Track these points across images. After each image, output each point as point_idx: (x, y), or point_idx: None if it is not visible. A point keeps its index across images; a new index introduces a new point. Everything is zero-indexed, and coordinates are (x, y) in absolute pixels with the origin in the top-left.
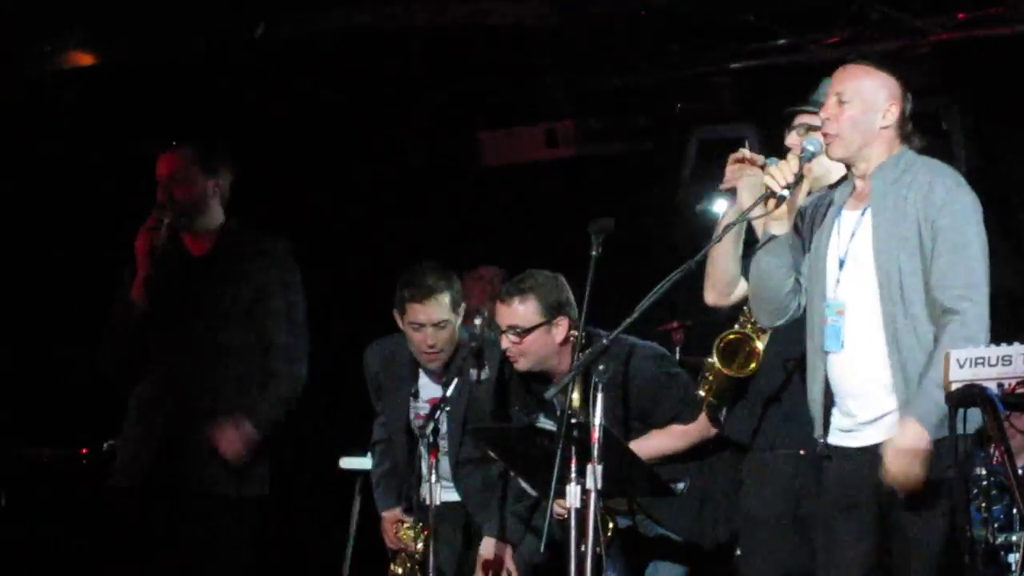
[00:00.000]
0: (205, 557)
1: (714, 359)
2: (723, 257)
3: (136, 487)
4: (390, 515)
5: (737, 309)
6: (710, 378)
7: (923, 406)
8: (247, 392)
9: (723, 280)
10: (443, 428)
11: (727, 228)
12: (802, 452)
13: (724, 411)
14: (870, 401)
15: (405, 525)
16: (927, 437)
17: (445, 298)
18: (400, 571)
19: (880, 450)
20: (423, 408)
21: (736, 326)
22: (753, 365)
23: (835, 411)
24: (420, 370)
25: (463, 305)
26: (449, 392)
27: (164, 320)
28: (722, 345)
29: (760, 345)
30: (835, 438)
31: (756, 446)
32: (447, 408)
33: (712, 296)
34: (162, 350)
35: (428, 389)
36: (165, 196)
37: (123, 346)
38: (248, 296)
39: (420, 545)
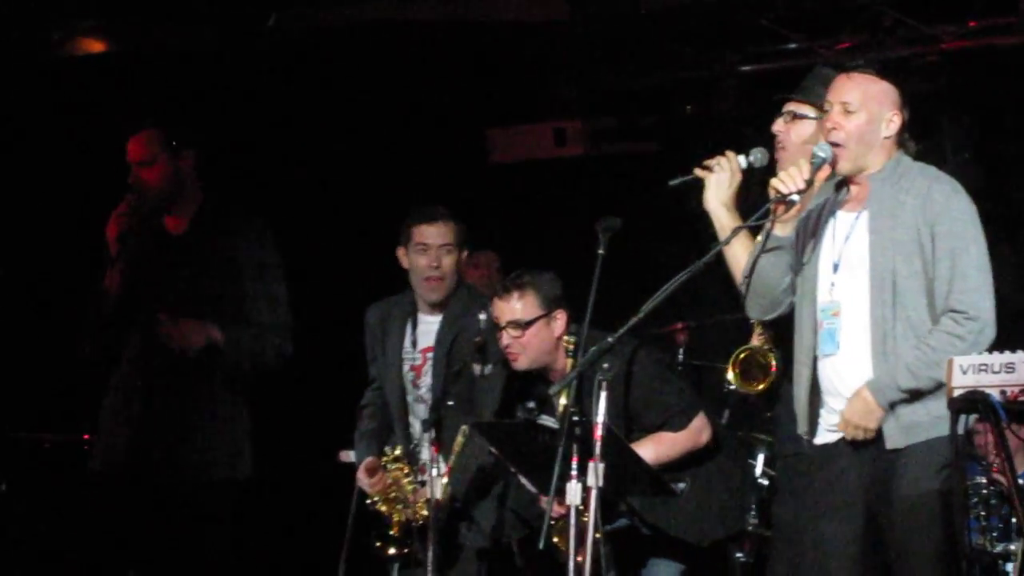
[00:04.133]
0: (185, 540)
1: (731, 378)
2: (765, 272)
3: (115, 472)
4: (367, 462)
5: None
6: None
7: (880, 379)
8: None
9: (769, 293)
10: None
11: (736, 230)
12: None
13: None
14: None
15: (401, 470)
16: (873, 402)
17: (452, 224)
18: (385, 508)
19: (868, 447)
20: (417, 359)
21: (754, 339)
22: (770, 378)
23: (822, 411)
24: (418, 319)
25: (465, 251)
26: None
27: (142, 302)
28: (737, 364)
29: (775, 359)
30: (822, 437)
31: (795, 451)
32: (451, 403)
33: (755, 311)
34: (140, 331)
35: (424, 338)
36: (136, 180)
37: (100, 333)
38: (227, 275)
39: (408, 480)
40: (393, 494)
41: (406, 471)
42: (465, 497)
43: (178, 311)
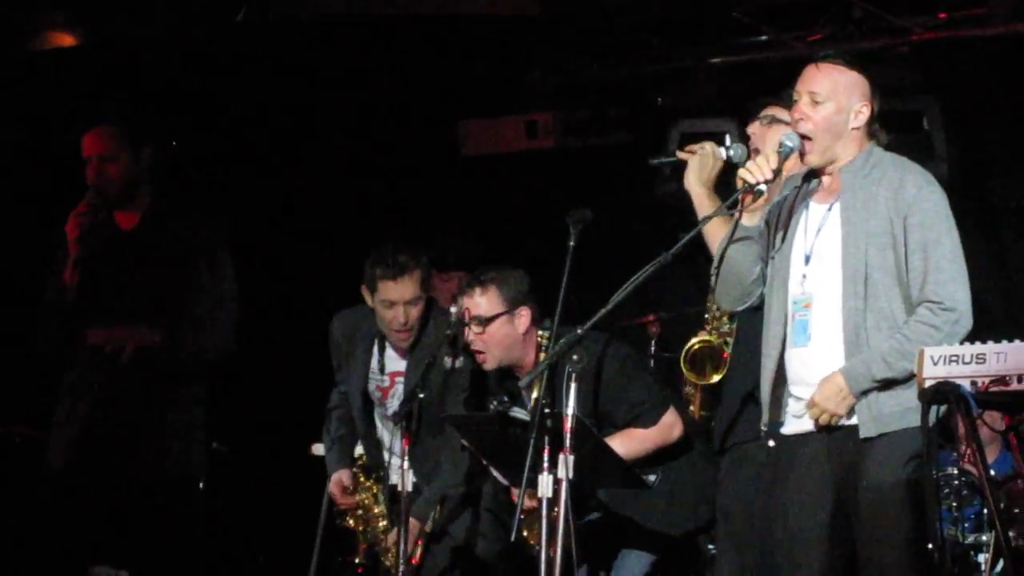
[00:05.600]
0: (142, 536)
1: (684, 369)
2: (736, 263)
3: (70, 468)
4: (338, 476)
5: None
6: (694, 394)
7: (855, 366)
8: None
9: (738, 284)
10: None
11: (704, 220)
12: (772, 443)
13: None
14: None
15: (370, 493)
16: (846, 389)
17: (417, 274)
18: (352, 523)
19: (839, 437)
20: (384, 381)
21: (703, 333)
22: (723, 370)
23: (790, 401)
24: (386, 343)
25: (431, 281)
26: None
27: (93, 297)
28: (689, 357)
29: (728, 350)
30: (790, 427)
31: (735, 441)
32: (422, 395)
33: (726, 302)
34: (93, 328)
35: (392, 363)
36: (95, 175)
37: (58, 329)
38: (176, 272)
39: (379, 509)
40: (362, 513)
41: (374, 490)
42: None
43: (136, 316)
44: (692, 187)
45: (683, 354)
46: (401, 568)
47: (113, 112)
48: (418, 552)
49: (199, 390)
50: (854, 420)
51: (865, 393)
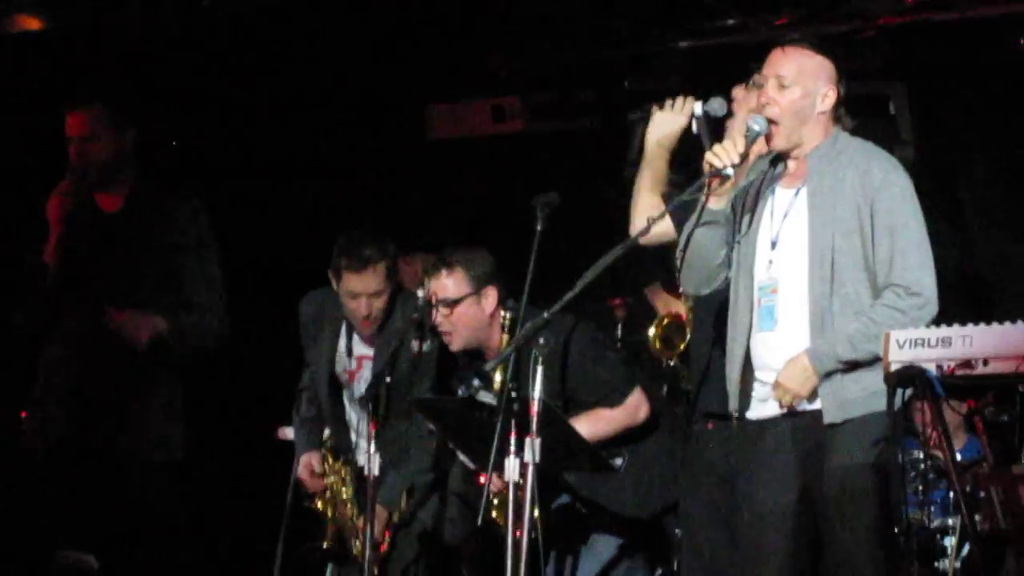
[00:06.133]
0: (119, 521)
1: (655, 345)
2: (701, 246)
3: (49, 450)
4: (307, 458)
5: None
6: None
7: (819, 348)
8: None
9: (704, 267)
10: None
11: (671, 205)
12: (710, 426)
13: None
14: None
15: (339, 477)
16: (811, 370)
17: (381, 267)
18: (321, 506)
19: (804, 422)
20: (351, 364)
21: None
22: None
23: (756, 385)
24: (350, 325)
25: (398, 270)
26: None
27: (76, 279)
28: (660, 334)
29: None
30: (756, 411)
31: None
32: (388, 379)
33: (691, 286)
34: (74, 309)
35: (359, 346)
36: (77, 156)
37: (38, 309)
38: (164, 256)
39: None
40: (329, 495)
41: (342, 473)
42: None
43: (120, 299)
44: (649, 141)
45: (654, 329)
46: (368, 554)
47: (97, 93)
48: (386, 539)
49: (176, 372)
50: (818, 405)
51: (830, 375)
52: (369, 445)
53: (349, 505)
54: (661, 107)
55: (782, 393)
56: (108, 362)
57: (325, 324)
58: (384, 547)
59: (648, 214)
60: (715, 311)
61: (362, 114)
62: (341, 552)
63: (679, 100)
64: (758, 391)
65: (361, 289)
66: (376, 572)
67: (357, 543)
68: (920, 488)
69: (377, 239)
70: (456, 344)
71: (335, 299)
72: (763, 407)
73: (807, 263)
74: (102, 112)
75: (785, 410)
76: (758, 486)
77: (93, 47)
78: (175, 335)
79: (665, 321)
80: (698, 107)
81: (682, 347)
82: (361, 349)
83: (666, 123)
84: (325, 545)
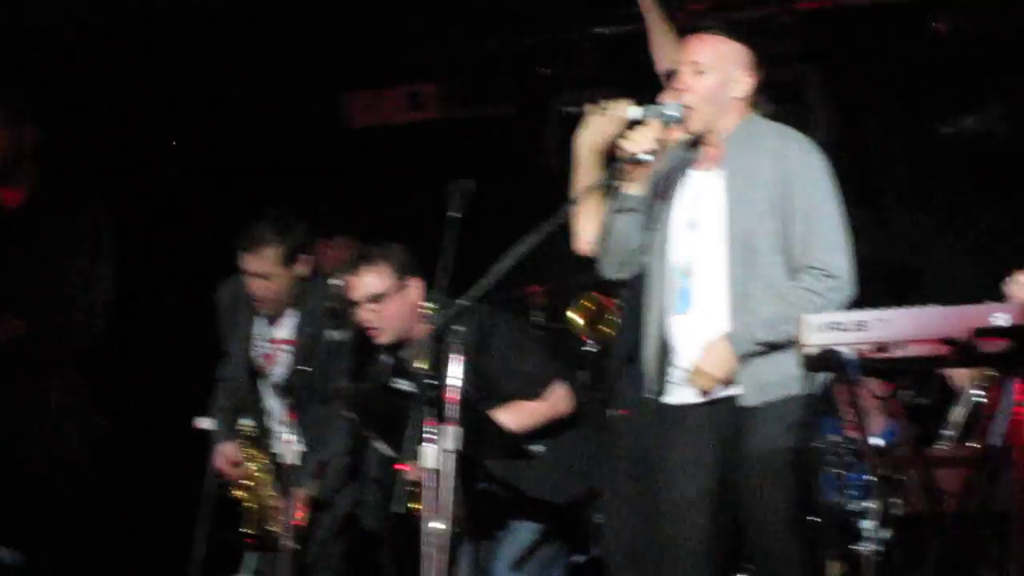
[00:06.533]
0: (21, 518)
1: (577, 323)
2: (618, 231)
3: None
4: (225, 447)
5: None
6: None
7: (737, 331)
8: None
9: (621, 251)
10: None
11: (586, 190)
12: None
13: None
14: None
15: (260, 466)
16: (731, 352)
17: (271, 251)
18: (240, 494)
19: (721, 406)
20: (268, 348)
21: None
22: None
23: (671, 369)
24: None
25: (303, 257)
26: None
27: None
28: (583, 312)
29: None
30: (674, 396)
31: (620, 406)
32: (306, 369)
33: (609, 270)
34: None
35: (276, 330)
36: None
37: None
38: (59, 251)
39: (266, 478)
40: (248, 484)
41: (260, 459)
42: (322, 494)
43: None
44: (579, 146)
45: (576, 312)
46: (288, 539)
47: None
48: (301, 516)
49: (73, 374)
50: (736, 390)
51: (747, 358)
52: (287, 436)
53: (268, 489)
54: (596, 110)
55: (701, 379)
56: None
57: (242, 309)
58: (302, 522)
59: (592, 220)
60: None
61: (279, 103)
62: (263, 540)
63: (617, 104)
64: (674, 375)
65: (250, 269)
66: (295, 557)
67: (277, 525)
68: (838, 472)
69: (278, 223)
70: (384, 338)
71: None
72: (680, 392)
73: (725, 245)
74: (2, 107)
75: (703, 398)
76: (677, 472)
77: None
78: (37, 335)
79: (586, 304)
80: (634, 112)
81: (608, 331)
82: (277, 333)
83: (598, 131)
84: (247, 531)
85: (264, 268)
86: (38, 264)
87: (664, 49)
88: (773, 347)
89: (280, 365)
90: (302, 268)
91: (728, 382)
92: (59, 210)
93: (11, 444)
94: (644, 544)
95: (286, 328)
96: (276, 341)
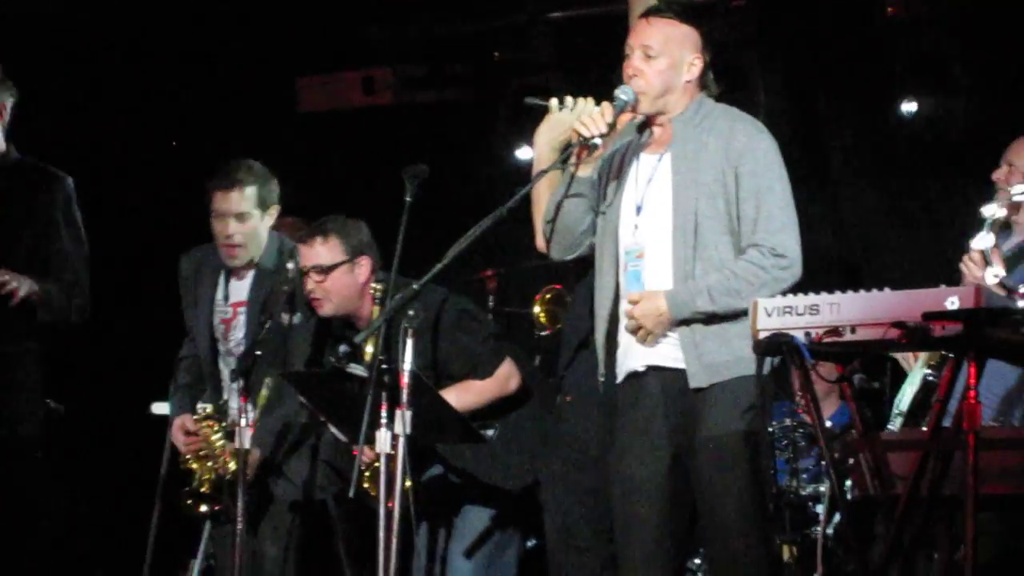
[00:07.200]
0: None
1: (539, 319)
2: (567, 213)
3: None
4: (180, 420)
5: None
6: None
7: (679, 293)
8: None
9: (569, 233)
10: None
11: (540, 175)
12: (568, 399)
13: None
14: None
15: (210, 427)
16: (666, 311)
17: (250, 191)
18: (196, 466)
19: (672, 387)
20: (228, 312)
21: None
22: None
23: (619, 351)
24: (231, 275)
25: (274, 208)
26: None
27: None
28: (543, 305)
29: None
30: (621, 369)
31: (571, 391)
32: (259, 352)
33: (556, 251)
34: None
35: (235, 292)
36: None
37: None
38: (35, 230)
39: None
40: (203, 452)
41: (215, 428)
42: (276, 451)
43: None
44: (538, 142)
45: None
46: (240, 520)
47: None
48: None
49: (35, 346)
50: (681, 364)
51: (687, 325)
52: (239, 420)
53: (224, 457)
54: (560, 105)
55: (633, 325)
56: None
57: (204, 276)
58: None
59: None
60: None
61: (233, 86)
62: (218, 511)
63: (571, 100)
64: (621, 356)
65: (225, 208)
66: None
67: (223, 463)
68: (791, 456)
69: (252, 166)
70: (326, 310)
71: (213, 253)
72: (627, 360)
73: (671, 227)
74: None
75: (646, 365)
76: (629, 457)
77: None
78: (45, 300)
79: (548, 295)
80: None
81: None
82: (237, 295)
83: (558, 127)
84: (199, 499)
85: (242, 207)
86: (18, 243)
87: None
88: (714, 318)
89: (237, 328)
90: (270, 219)
91: (653, 335)
92: (31, 189)
93: None
94: (587, 535)
95: (244, 289)
96: (234, 304)
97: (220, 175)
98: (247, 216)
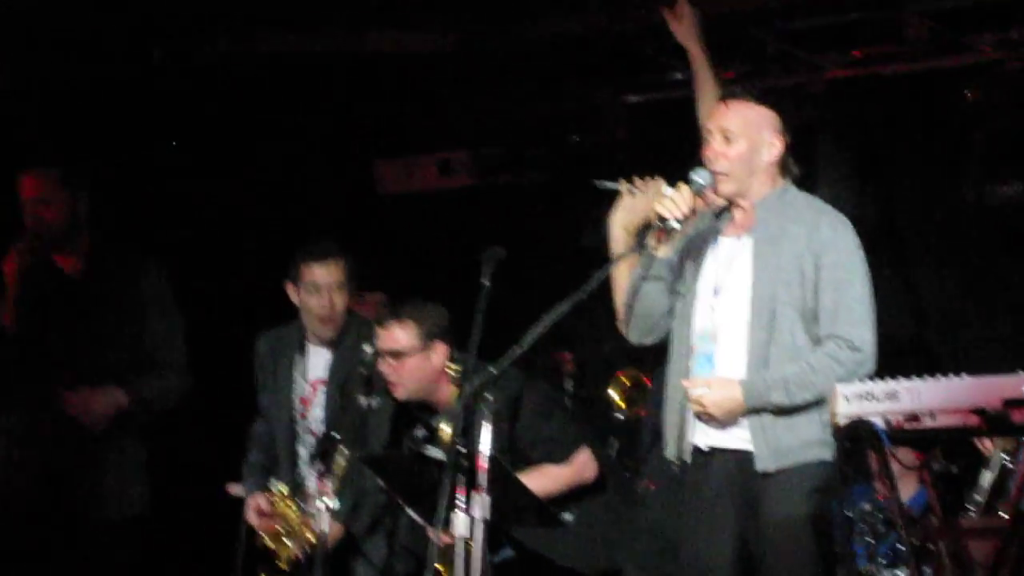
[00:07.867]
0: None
1: (619, 404)
2: (646, 296)
3: (16, 515)
4: (255, 500)
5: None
6: None
7: (756, 385)
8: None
9: (648, 318)
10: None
11: (618, 257)
12: (652, 486)
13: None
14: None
15: (287, 505)
16: (741, 401)
17: (341, 263)
18: (273, 545)
19: (739, 472)
20: (306, 390)
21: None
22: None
23: (689, 431)
24: (307, 349)
25: (353, 286)
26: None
27: (39, 343)
28: (621, 388)
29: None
30: (687, 450)
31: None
32: (337, 436)
33: (635, 335)
34: (36, 374)
35: (314, 370)
36: (33, 218)
37: None
38: (129, 315)
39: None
40: (282, 529)
41: (292, 507)
42: (355, 524)
43: (84, 363)
44: (614, 226)
45: (614, 389)
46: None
47: (51, 156)
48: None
49: (137, 428)
50: (747, 445)
51: (757, 413)
52: (317, 503)
53: (303, 531)
54: (634, 189)
55: (700, 408)
56: (71, 427)
57: (282, 354)
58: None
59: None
60: None
61: (312, 169)
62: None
63: (644, 183)
64: (693, 437)
65: (323, 279)
66: None
67: (303, 540)
68: (870, 540)
69: (338, 243)
70: (400, 394)
71: (292, 331)
72: (693, 437)
73: (748, 311)
74: (58, 176)
75: (710, 447)
76: (696, 539)
77: (45, 107)
78: (139, 404)
79: (624, 378)
80: (665, 189)
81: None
82: (315, 372)
83: (633, 211)
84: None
85: (339, 278)
86: (114, 331)
87: (711, 106)
88: (783, 411)
89: (317, 406)
90: (354, 295)
91: (723, 422)
92: (121, 275)
93: (69, 501)
94: None
95: (322, 366)
96: (314, 381)
97: (315, 248)
98: (342, 287)
